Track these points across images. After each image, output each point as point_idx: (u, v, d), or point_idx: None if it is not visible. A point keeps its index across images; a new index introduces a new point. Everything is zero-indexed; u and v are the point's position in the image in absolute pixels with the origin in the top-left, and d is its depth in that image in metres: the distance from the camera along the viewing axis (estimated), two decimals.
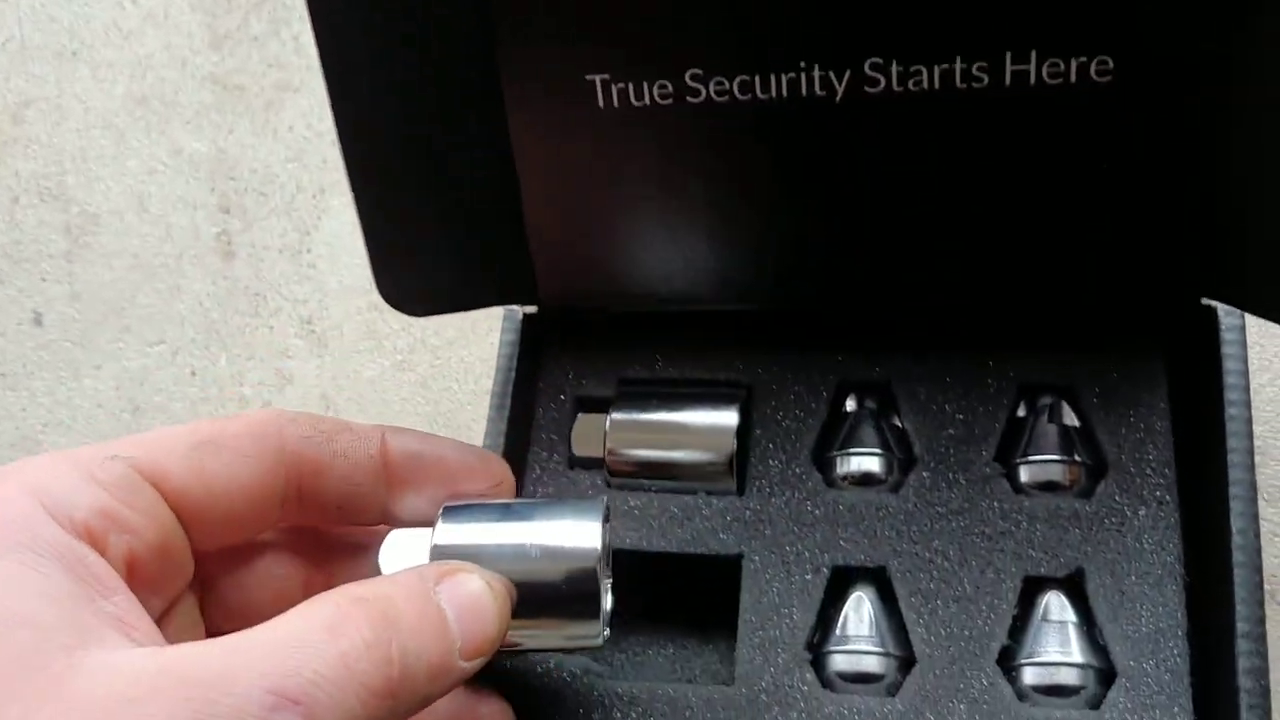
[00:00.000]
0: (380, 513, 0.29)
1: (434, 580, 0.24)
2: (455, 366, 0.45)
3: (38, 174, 0.53)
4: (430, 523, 0.28)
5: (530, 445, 0.36)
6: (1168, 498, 0.31)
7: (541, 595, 0.26)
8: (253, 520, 0.27)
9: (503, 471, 0.31)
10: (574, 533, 0.27)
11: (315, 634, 0.21)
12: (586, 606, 0.26)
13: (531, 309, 0.36)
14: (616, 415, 0.34)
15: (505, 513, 0.27)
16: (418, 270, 0.33)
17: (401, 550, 0.27)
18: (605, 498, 0.29)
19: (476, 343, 0.45)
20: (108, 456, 0.24)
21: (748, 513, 0.33)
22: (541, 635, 0.27)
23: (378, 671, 0.21)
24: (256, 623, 0.21)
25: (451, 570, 0.25)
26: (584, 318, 0.36)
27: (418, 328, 0.46)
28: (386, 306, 0.34)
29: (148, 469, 0.25)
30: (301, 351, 0.47)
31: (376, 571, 0.28)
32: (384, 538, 0.28)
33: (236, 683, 0.19)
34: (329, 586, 0.23)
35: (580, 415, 0.36)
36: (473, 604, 0.24)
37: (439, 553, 0.26)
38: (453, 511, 0.27)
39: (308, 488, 0.28)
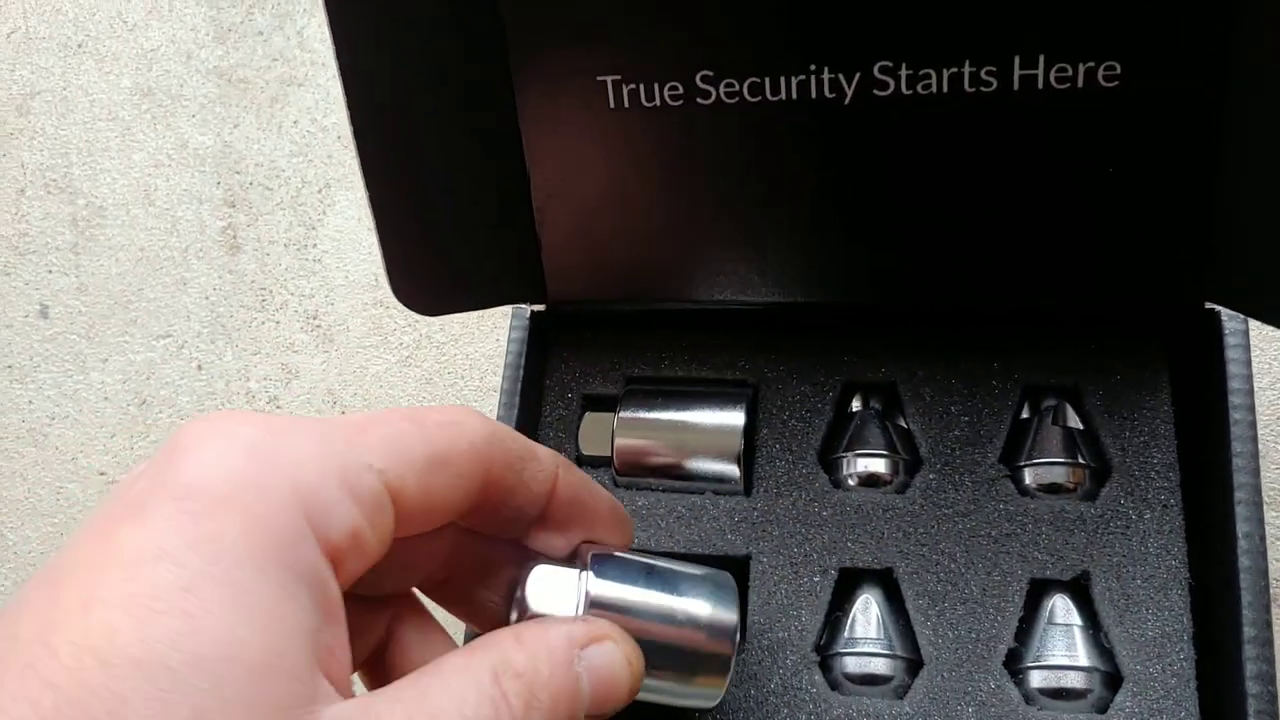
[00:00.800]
0: (522, 535, 0.28)
1: (581, 644, 0.24)
2: (460, 363, 0.45)
3: (44, 166, 0.53)
4: (565, 559, 0.28)
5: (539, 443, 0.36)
6: (1172, 501, 0.31)
7: (676, 659, 0.27)
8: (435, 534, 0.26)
9: (632, 533, 0.30)
10: (715, 607, 0.27)
11: (479, 708, 0.22)
12: (715, 675, 0.27)
13: (540, 307, 0.36)
14: (624, 414, 0.34)
15: (650, 572, 0.28)
16: (431, 271, 0.34)
17: (549, 589, 0.27)
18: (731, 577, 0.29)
19: (481, 339, 0.45)
20: (366, 465, 0.22)
21: (755, 513, 0.33)
22: (665, 692, 0.27)
23: (527, 712, 0.22)
24: None
25: (600, 636, 0.25)
26: (591, 316, 0.36)
27: (423, 324, 0.46)
28: (392, 302, 0.34)
29: (393, 485, 0.22)
30: (307, 346, 0.47)
31: (518, 603, 0.27)
32: (530, 570, 0.27)
33: None
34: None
35: (587, 414, 0.36)
36: (611, 676, 0.24)
37: (593, 602, 0.26)
38: (602, 561, 0.27)
39: (487, 506, 0.26)
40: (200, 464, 0.20)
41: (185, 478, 0.20)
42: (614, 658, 0.25)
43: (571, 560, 0.27)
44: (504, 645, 0.23)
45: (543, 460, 0.27)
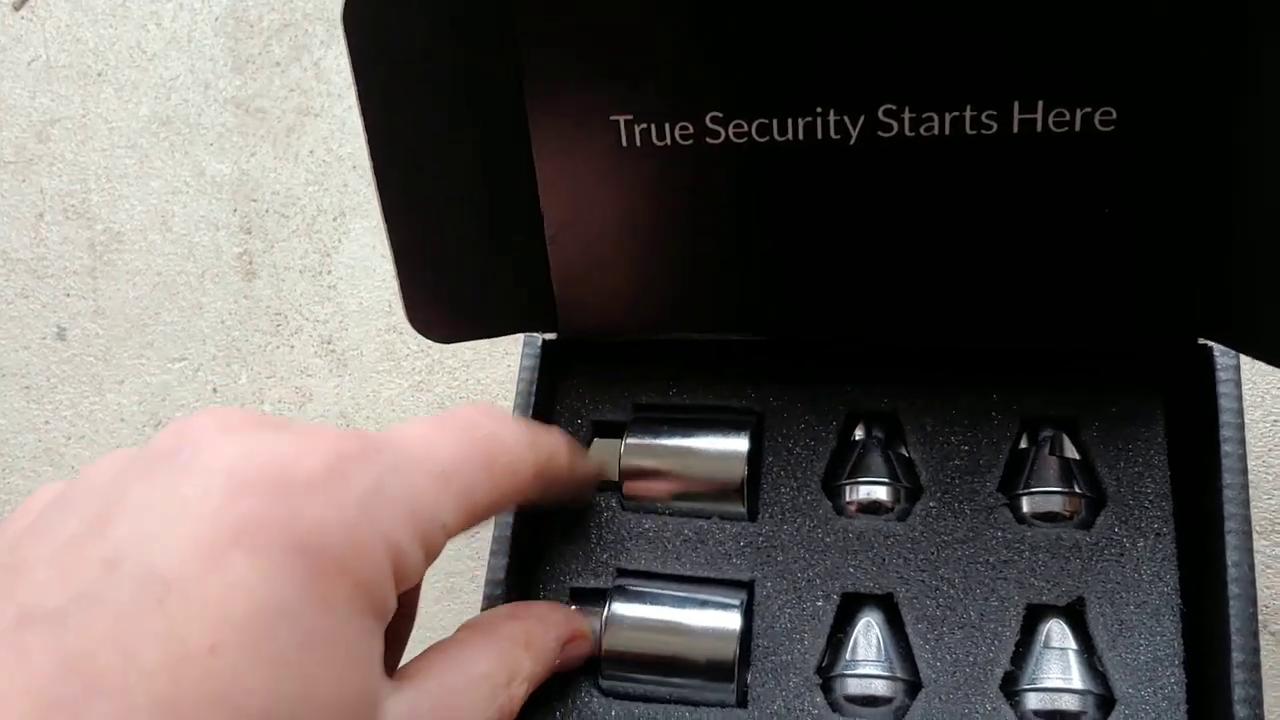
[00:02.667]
0: None
1: (564, 641, 0.31)
2: (472, 388, 0.46)
3: (63, 191, 0.54)
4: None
5: None
6: (1165, 530, 0.32)
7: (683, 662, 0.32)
8: None
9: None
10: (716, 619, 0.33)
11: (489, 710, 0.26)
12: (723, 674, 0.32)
13: (551, 335, 0.37)
14: (631, 440, 0.35)
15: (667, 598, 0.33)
16: (447, 301, 0.35)
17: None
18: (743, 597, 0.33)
19: (493, 365, 0.46)
20: (441, 525, 0.24)
21: (760, 539, 0.34)
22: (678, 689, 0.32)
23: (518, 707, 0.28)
24: None
25: (578, 635, 0.32)
26: (601, 345, 0.37)
27: (436, 350, 0.47)
28: (405, 328, 0.35)
29: (454, 532, 0.25)
30: (321, 370, 0.48)
31: None
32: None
33: None
34: None
35: (596, 440, 0.37)
36: (575, 662, 0.32)
37: (614, 620, 0.33)
38: (623, 593, 0.33)
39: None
40: (319, 516, 0.21)
41: (304, 527, 0.21)
42: (583, 650, 0.32)
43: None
44: (517, 653, 0.28)
45: (580, 482, 0.33)
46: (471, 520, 0.26)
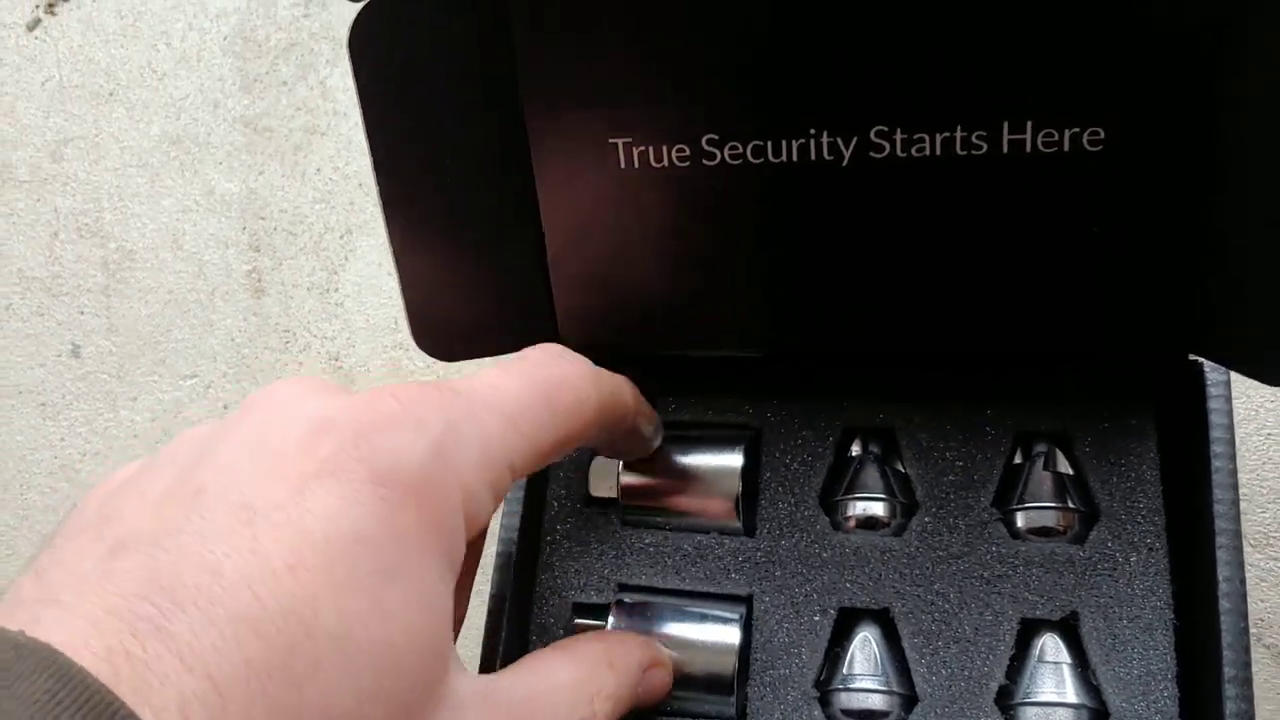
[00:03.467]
0: None
1: (645, 668, 0.30)
2: None
3: (76, 211, 0.55)
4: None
5: (549, 484, 0.37)
6: (1157, 544, 0.32)
7: (684, 676, 0.33)
8: None
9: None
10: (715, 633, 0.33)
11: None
12: (722, 687, 0.32)
13: None
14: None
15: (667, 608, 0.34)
16: (451, 321, 0.35)
17: None
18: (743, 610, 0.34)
19: None
20: (509, 465, 0.25)
21: (758, 554, 0.35)
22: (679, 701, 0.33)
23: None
24: None
25: (658, 662, 0.31)
26: (601, 363, 0.38)
27: (441, 366, 0.48)
28: (411, 344, 0.35)
29: (521, 472, 0.26)
30: None
31: None
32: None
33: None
34: None
35: (596, 457, 0.37)
36: (657, 692, 0.31)
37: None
38: (623, 607, 0.34)
39: None
40: (396, 452, 0.22)
41: (383, 461, 0.21)
42: (664, 679, 0.31)
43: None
44: (600, 670, 0.28)
45: (643, 425, 0.33)
46: (539, 460, 0.26)
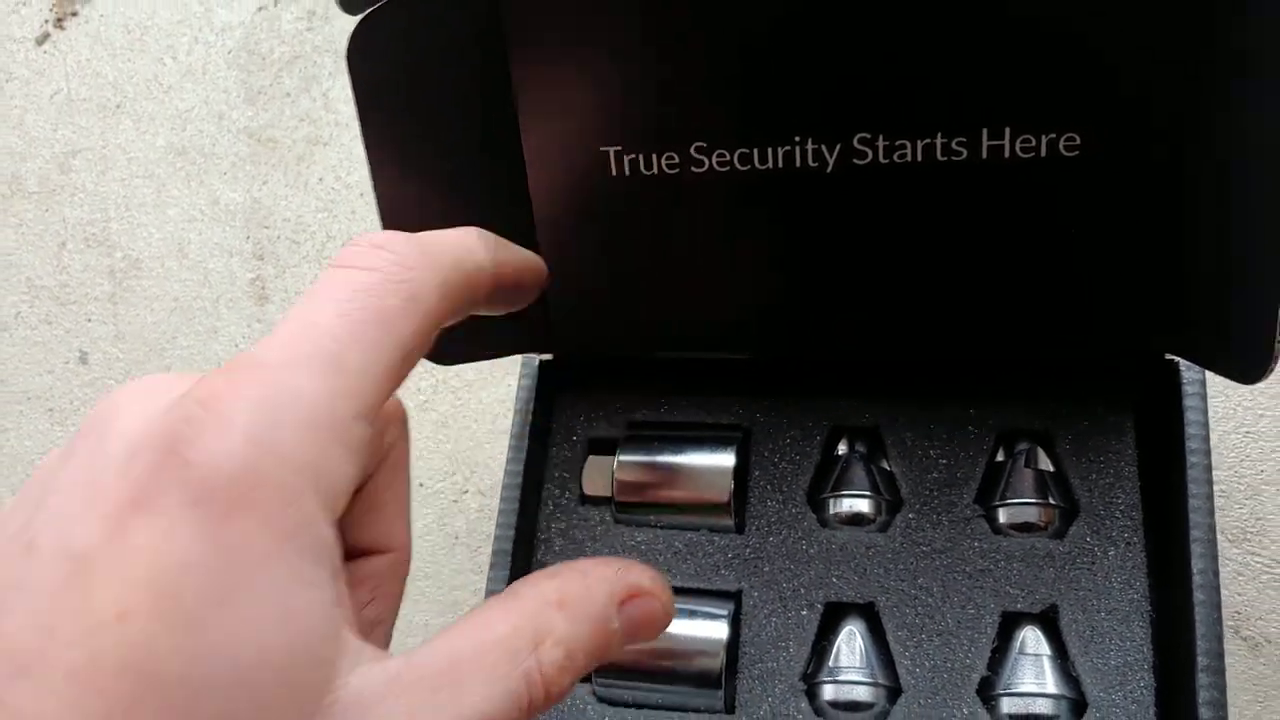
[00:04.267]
0: None
1: (621, 600, 0.24)
2: (474, 407, 0.48)
3: (84, 221, 0.56)
4: None
5: (545, 483, 0.38)
6: (1135, 539, 0.33)
7: (673, 671, 0.33)
8: None
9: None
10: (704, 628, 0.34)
11: (508, 683, 0.22)
12: (711, 681, 0.33)
13: (547, 356, 0.39)
14: (623, 457, 0.37)
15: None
16: (446, 326, 0.36)
17: None
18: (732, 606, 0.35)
19: (494, 385, 0.48)
20: (353, 415, 0.21)
21: (747, 550, 0.35)
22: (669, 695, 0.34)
23: (560, 678, 0.22)
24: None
25: (639, 591, 0.25)
26: (595, 365, 0.39)
27: (439, 371, 0.49)
28: None
29: (374, 420, 0.22)
30: None
31: None
32: None
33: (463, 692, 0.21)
34: None
35: (590, 457, 0.38)
36: (647, 624, 0.25)
37: None
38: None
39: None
40: (208, 462, 0.19)
41: (196, 473, 0.19)
42: (651, 609, 0.25)
43: None
44: (546, 612, 0.23)
45: (514, 271, 0.28)
46: (387, 387, 0.22)
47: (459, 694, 0.21)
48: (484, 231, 0.27)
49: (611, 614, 0.24)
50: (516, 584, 0.24)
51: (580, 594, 0.23)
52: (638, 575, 0.25)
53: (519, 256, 0.29)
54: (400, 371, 0.23)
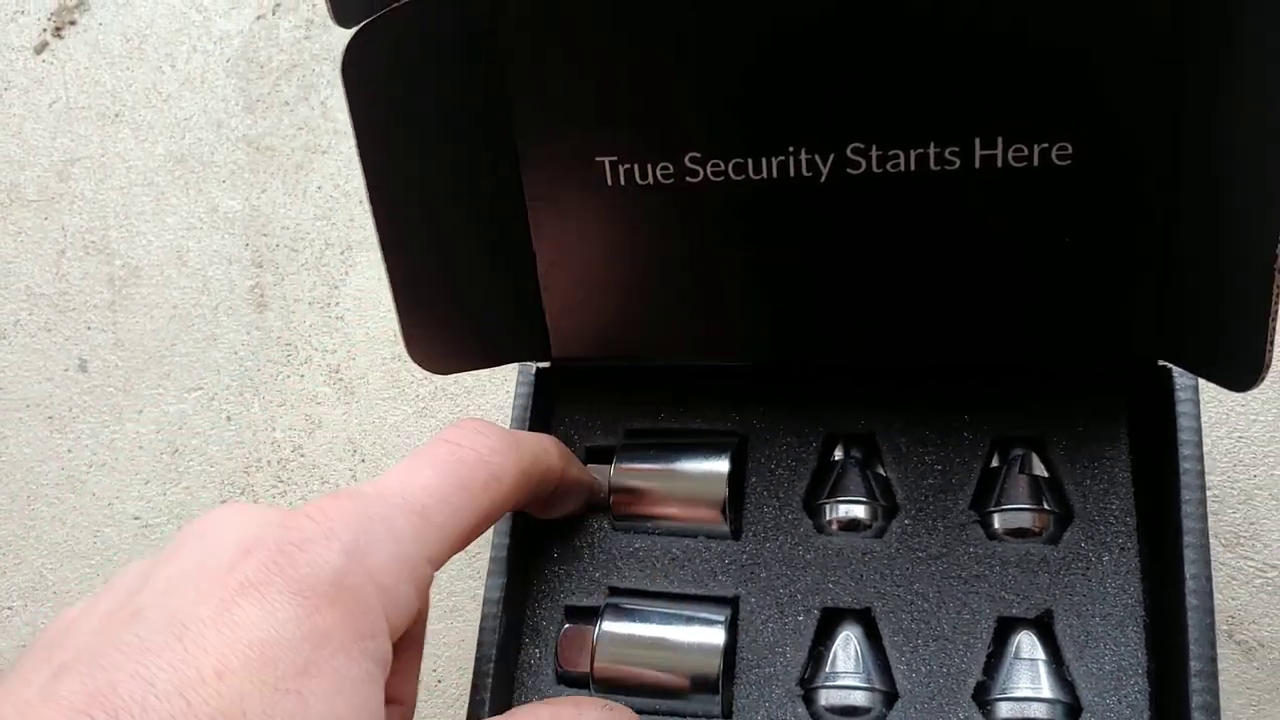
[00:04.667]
0: None
1: None
2: (473, 414, 0.48)
3: (83, 229, 0.56)
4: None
5: None
6: (1129, 544, 0.34)
7: (671, 677, 0.34)
8: None
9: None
10: (701, 634, 0.34)
11: None
12: (708, 687, 0.34)
13: (545, 365, 0.39)
14: (620, 464, 0.37)
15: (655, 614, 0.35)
16: (444, 334, 0.36)
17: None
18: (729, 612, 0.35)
19: (493, 391, 0.48)
20: (427, 559, 0.27)
21: (744, 556, 0.36)
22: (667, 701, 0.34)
23: None
24: None
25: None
26: (593, 373, 0.39)
27: (438, 378, 0.49)
28: (409, 357, 0.36)
29: (442, 561, 0.28)
30: (330, 399, 0.50)
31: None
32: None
33: None
34: None
35: (588, 465, 0.38)
36: None
37: (605, 636, 0.35)
38: (613, 610, 0.35)
39: None
40: (312, 564, 0.24)
41: (300, 573, 0.24)
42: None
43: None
44: None
45: (575, 484, 0.35)
46: (459, 544, 0.28)
47: None
48: (558, 441, 0.34)
49: None
50: (514, 712, 0.29)
51: None
52: (623, 714, 0.31)
53: (581, 471, 0.35)
54: (472, 535, 0.29)
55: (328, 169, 0.54)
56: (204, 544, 0.25)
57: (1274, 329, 0.27)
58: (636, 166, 0.33)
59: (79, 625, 0.24)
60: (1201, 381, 0.33)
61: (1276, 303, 0.27)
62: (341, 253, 0.52)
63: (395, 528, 0.26)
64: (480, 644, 0.35)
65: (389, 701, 0.28)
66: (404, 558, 0.26)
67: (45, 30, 0.60)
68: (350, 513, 0.25)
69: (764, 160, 0.32)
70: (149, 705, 0.21)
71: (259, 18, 0.57)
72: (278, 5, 0.57)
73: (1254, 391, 0.41)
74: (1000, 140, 0.31)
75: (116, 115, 0.58)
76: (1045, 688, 0.32)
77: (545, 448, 0.33)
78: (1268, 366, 0.28)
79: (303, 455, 0.49)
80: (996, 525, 0.34)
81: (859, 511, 0.35)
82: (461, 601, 0.45)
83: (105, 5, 0.60)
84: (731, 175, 0.33)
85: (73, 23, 0.60)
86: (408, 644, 0.29)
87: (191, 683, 0.21)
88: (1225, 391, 0.40)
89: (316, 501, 0.26)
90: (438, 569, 0.27)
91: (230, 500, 0.28)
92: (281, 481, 0.49)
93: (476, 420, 0.31)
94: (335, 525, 0.25)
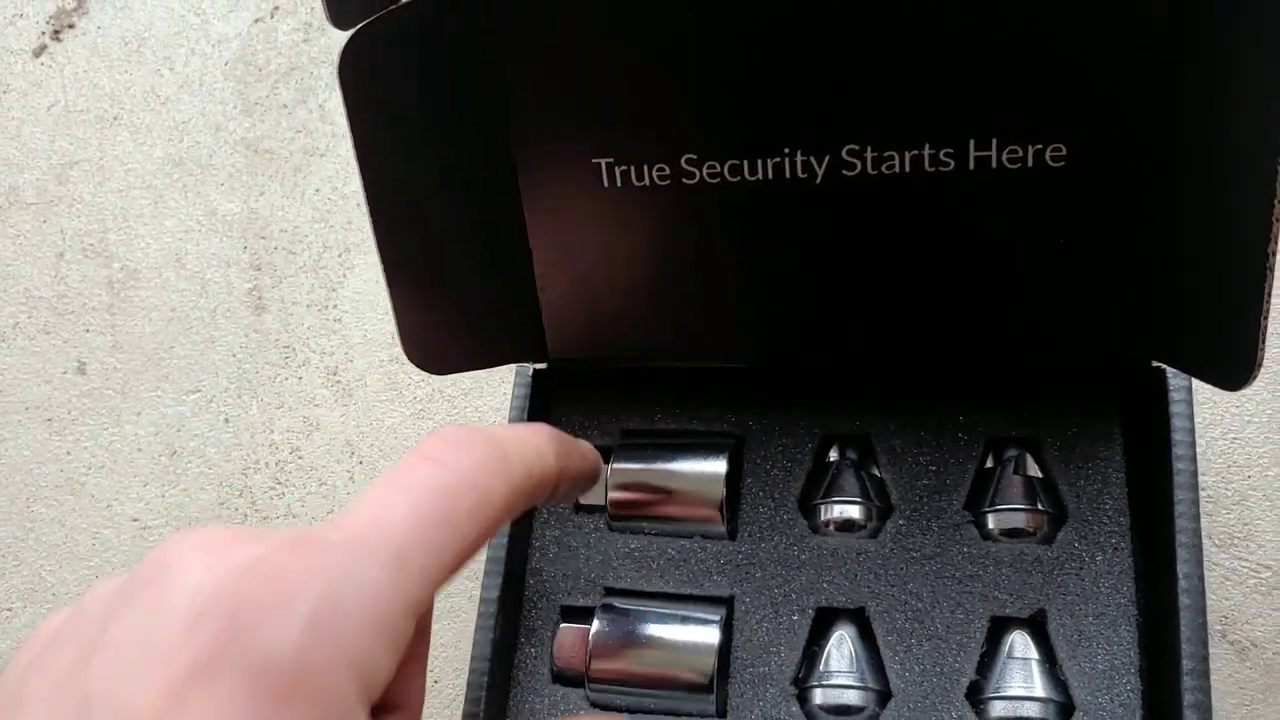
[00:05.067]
0: None
1: None
2: (470, 415, 0.48)
3: (82, 231, 0.56)
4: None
5: None
6: (1122, 544, 0.34)
7: (666, 676, 0.34)
8: None
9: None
10: (696, 634, 0.35)
11: None
12: (703, 686, 0.34)
13: (541, 366, 0.39)
14: (617, 465, 0.37)
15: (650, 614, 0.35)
16: (441, 335, 0.37)
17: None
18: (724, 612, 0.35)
19: (490, 393, 0.48)
20: (405, 612, 0.23)
21: (740, 556, 0.36)
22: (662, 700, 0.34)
23: None
24: None
25: None
26: (590, 374, 0.39)
27: (435, 379, 0.49)
28: (406, 359, 0.36)
29: (425, 606, 0.24)
30: (328, 400, 0.50)
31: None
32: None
33: None
34: None
35: None
36: None
37: (600, 636, 0.35)
38: (609, 610, 0.35)
39: None
40: (269, 644, 0.21)
41: (257, 656, 0.20)
42: None
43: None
44: None
45: (578, 472, 0.30)
46: (441, 583, 0.24)
47: None
48: (555, 431, 0.29)
49: None
50: None
51: None
52: None
53: (581, 454, 0.30)
54: (456, 567, 0.24)
55: (326, 172, 0.54)
56: (158, 592, 0.22)
57: (1265, 327, 0.27)
58: (633, 168, 0.33)
59: (36, 680, 0.22)
60: (1197, 383, 0.33)
61: (1269, 301, 0.27)
62: (339, 255, 0.52)
63: (366, 583, 0.22)
64: (476, 644, 0.35)
65: (391, 708, 0.27)
66: (378, 619, 0.22)
67: (44, 33, 0.61)
68: (310, 573, 0.22)
69: (759, 162, 0.32)
70: None
71: (257, 21, 0.57)
72: (276, 8, 0.58)
73: (1249, 393, 0.41)
74: (995, 141, 0.31)
75: (115, 118, 0.58)
76: (1038, 687, 0.32)
77: (540, 452, 0.28)
78: (1259, 365, 0.28)
79: (300, 457, 0.49)
80: (990, 525, 0.35)
81: (854, 512, 0.36)
82: (459, 603, 0.45)
83: (104, 8, 0.60)
84: (727, 177, 0.33)
85: (71, 26, 0.61)
86: (407, 653, 0.26)
87: None
88: (1220, 393, 0.41)
89: (271, 553, 0.22)
90: (417, 617, 0.23)
91: (207, 524, 0.25)
92: (279, 483, 0.49)
93: (461, 427, 0.26)
94: (293, 591, 0.21)
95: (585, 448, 0.31)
